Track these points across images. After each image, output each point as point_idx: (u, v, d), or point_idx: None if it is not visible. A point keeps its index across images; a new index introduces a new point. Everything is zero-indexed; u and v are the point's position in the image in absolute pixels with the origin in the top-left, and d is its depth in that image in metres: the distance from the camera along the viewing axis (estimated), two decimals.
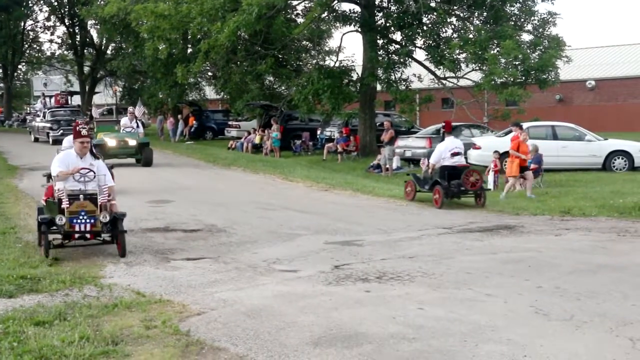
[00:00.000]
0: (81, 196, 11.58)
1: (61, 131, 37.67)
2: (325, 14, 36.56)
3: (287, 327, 7.82)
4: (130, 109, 31.58)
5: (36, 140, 43.96)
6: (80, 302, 8.80)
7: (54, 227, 11.54)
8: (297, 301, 8.83)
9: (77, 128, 12.11)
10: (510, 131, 25.59)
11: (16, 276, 9.90)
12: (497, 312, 8.41)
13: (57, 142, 34.88)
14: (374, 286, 9.66)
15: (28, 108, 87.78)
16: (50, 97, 49.56)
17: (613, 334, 7.65)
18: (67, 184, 11.70)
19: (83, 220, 11.34)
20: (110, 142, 27.83)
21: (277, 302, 8.82)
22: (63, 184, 11.60)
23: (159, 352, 7.03)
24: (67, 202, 11.41)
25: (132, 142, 28.15)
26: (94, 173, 11.87)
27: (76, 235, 11.53)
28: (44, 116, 43.80)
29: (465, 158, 28.80)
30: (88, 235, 11.51)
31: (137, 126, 29.00)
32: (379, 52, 34.25)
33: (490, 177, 23.22)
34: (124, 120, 29.29)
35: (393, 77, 34.14)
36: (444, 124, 19.79)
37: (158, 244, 12.94)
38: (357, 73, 35.66)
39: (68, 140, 14.93)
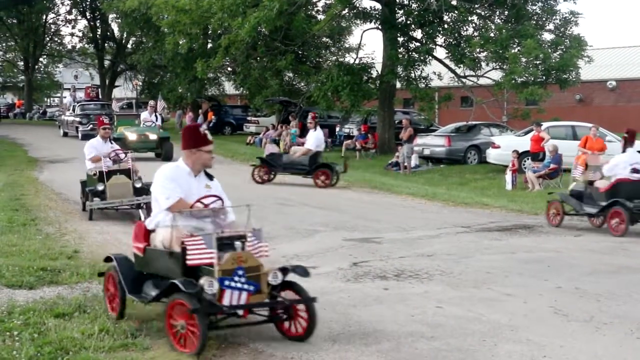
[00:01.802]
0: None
1: (91, 126, 35.69)
2: (346, 10, 36.58)
3: None
4: (150, 102, 31.64)
5: (65, 134, 42.32)
6: (99, 294, 8.81)
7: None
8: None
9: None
10: (531, 130, 25.57)
11: (36, 268, 9.94)
12: (516, 312, 8.38)
13: (87, 137, 34.17)
14: (392, 284, 9.65)
15: (49, 100, 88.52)
16: (80, 89, 48.63)
17: (633, 336, 7.61)
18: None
19: (241, 285, 6.90)
20: (131, 135, 27.90)
21: None
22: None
23: None
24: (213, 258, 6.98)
25: (153, 136, 28.21)
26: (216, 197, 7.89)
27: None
28: (73, 110, 41.58)
29: (484, 156, 28.96)
30: (241, 312, 7.15)
31: (157, 120, 29.06)
32: (399, 50, 34.23)
33: (508, 177, 23.18)
34: (144, 115, 29.37)
35: (413, 75, 34.13)
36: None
37: None
38: (376, 70, 35.61)
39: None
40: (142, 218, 11.62)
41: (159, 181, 7.62)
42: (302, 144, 23.10)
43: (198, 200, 7.51)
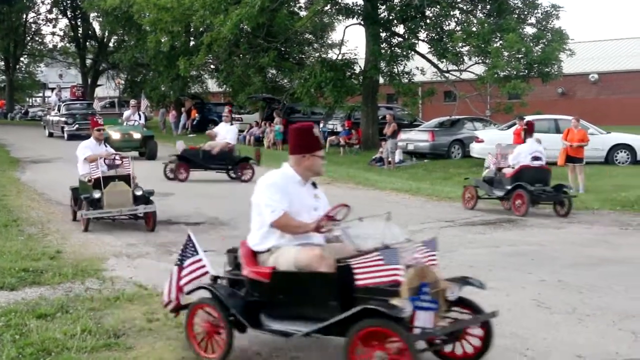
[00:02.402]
0: None
1: (76, 126, 35.67)
2: (328, 6, 36.53)
3: None
4: (132, 101, 31.52)
5: (50, 135, 41.48)
6: (82, 294, 8.80)
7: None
8: None
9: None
10: (514, 124, 25.64)
11: (18, 269, 9.89)
12: (499, 306, 8.34)
13: (73, 137, 33.79)
14: None
15: (31, 100, 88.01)
16: (65, 89, 47.86)
17: (615, 327, 7.64)
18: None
19: (427, 304, 5.82)
20: (115, 135, 27.55)
21: None
22: None
23: (161, 345, 7.02)
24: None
25: (137, 135, 28.06)
26: None
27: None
28: (59, 109, 40.59)
29: (468, 151, 29.03)
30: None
31: (140, 118, 28.93)
32: (382, 45, 34.21)
33: (488, 163, 23.16)
34: (127, 113, 29.23)
35: (396, 70, 34.13)
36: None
37: (160, 236, 12.95)
38: (359, 66, 35.61)
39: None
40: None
41: (264, 191, 6.55)
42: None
43: (328, 217, 6.30)
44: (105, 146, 14.98)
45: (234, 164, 21.73)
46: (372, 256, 5.80)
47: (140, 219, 13.91)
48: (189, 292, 6.99)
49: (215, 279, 6.89)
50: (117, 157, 14.35)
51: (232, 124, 22.25)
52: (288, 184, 6.52)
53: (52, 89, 48.50)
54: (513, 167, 16.76)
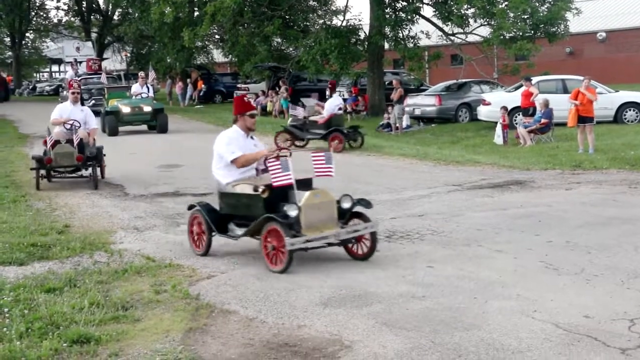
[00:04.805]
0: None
1: (93, 101, 34.59)
2: None
3: (297, 289, 7.83)
4: (141, 74, 31.29)
5: None
6: (90, 268, 8.83)
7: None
8: (306, 263, 8.82)
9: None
10: (521, 86, 25.47)
11: (27, 244, 9.94)
12: (507, 269, 8.39)
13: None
14: (384, 245, 9.62)
15: (38, 76, 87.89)
16: (81, 62, 47.21)
17: (624, 287, 7.63)
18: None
19: None
20: (125, 108, 27.40)
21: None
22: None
23: (169, 317, 7.05)
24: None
25: (147, 109, 27.67)
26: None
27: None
28: None
29: (475, 114, 28.94)
30: None
31: (149, 91, 28.71)
32: (386, 10, 33.89)
33: (498, 129, 23.15)
34: (135, 87, 28.91)
35: (401, 35, 33.85)
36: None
37: (168, 208, 12.96)
38: (364, 32, 35.40)
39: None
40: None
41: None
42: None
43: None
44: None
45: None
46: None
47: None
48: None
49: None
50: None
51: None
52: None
53: (70, 63, 47.62)
54: (323, 116, 21.94)
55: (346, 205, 8.97)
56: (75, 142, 15.19)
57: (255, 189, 8.92)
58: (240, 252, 9.51)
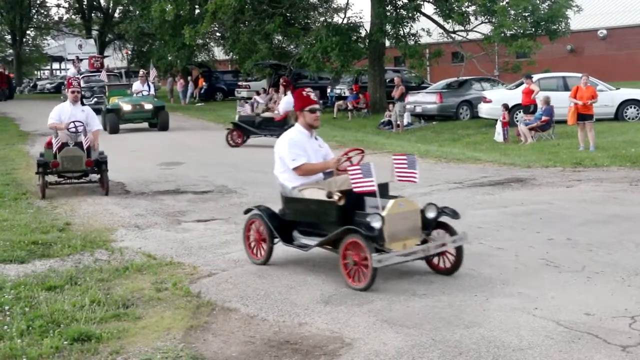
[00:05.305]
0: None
1: (95, 99, 34.45)
2: None
3: (298, 286, 7.83)
4: (141, 72, 31.27)
5: None
6: (91, 266, 8.84)
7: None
8: (308, 260, 8.82)
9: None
10: (522, 83, 25.47)
11: (28, 242, 9.94)
12: (508, 266, 8.39)
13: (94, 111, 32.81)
14: None
15: (39, 74, 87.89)
16: (82, 60, 46.94)
17: (625, 284, 7.62)
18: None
19: None
20: (126, 106, 27.38)
21: (287, 261, 8.84)
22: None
23: (170, 314, 7.06)
24: None
25: (148, 106, 27.66)
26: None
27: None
28: None
29: (476, 111, 28.94)
30: None
31: (150, 89, 28.70)
32: (387, 8, 33.92)
33: (499, 127, 23.16)
34: (136, 85, 28.90)
35: (402, 33, 33.87)
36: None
37: (169, 206, 12.95)
38: (365, 29, 35.38)
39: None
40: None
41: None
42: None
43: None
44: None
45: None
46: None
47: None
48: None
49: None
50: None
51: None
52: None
53: (72, 61, 47.49)
54: (279, 113, 21.79)
55: (431, 214, 8.05)
56: (85, 145, 14.03)
57: (329, 195, 7.99)
58: (240, 251, 9.50)
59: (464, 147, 21.74)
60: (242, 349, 6.18)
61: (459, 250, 7.98)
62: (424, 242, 7.92)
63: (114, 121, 26.95)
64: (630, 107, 26.47)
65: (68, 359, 6.04)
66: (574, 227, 10.35)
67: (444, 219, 8.11)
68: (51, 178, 14.57)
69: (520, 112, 24.57)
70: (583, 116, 19.64)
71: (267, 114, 22.52)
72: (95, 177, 14.74)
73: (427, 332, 6.38)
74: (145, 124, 28.32)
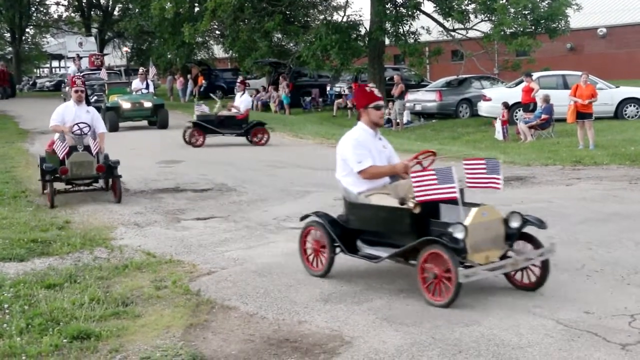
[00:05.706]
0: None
1: (95, 97, 33.70)
2: None
3: (297, 285, 7.83)
4: (140, 70, 31.22)
5: None
6: (90, 264, 8.83)
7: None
8: None
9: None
10: (521, 81, 25.47)
11: (27, 240, 9.93)
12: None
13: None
14: None
15: (38, 72, 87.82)
16: (82, 58, 46.76)
17: (624, 282, 7.63)
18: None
19: None
20: (125, 104, 27.34)
21: (287, 259, 8.81)
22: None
23: (169, 312, 7.06)
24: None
25: (148, 104, 27.64)
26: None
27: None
28: None
29: (476, 110, 28.95)
30: None
31: (149, 87, 28.67)
32: (387, 6, 33.87)
33: (498, 126, 23.17)
34: (136, 83, 28.85)
35: (401, 31, 33.82)
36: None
37: (168, 204, 12.94)
38: (365, 27, 35.34)
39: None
40: None
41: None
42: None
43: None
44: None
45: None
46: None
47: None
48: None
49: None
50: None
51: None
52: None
53: (73, 59, 47.30)
54: (239, 112, 22.15)
55: (515, 224, 7.38)
56: (94, 150, 12.96)
57: (402, 202, 7.31)
58: (239, 249, 9.50)
59: (464, 145, 21.74)
60: (242, 347, 6.18)
61: (545, 263, 7.30)
62: (504, 254, 7.31)
63: (113, 119, 26.93)
64: (630, 106, 26.47)
65: (67, 357, 6.04)
66: (574, 225, 10.35)
67: (528, 229, 7.49)
68: (59, 185, 13.41)
69: (520, 110, 24.56)
70: (582, 115, 19.64)
71: (225, 113, 22.53)
72: (101, 182, 13.72)
73: (427, 330, 6.38)
74: (145, 122, 28.30)
